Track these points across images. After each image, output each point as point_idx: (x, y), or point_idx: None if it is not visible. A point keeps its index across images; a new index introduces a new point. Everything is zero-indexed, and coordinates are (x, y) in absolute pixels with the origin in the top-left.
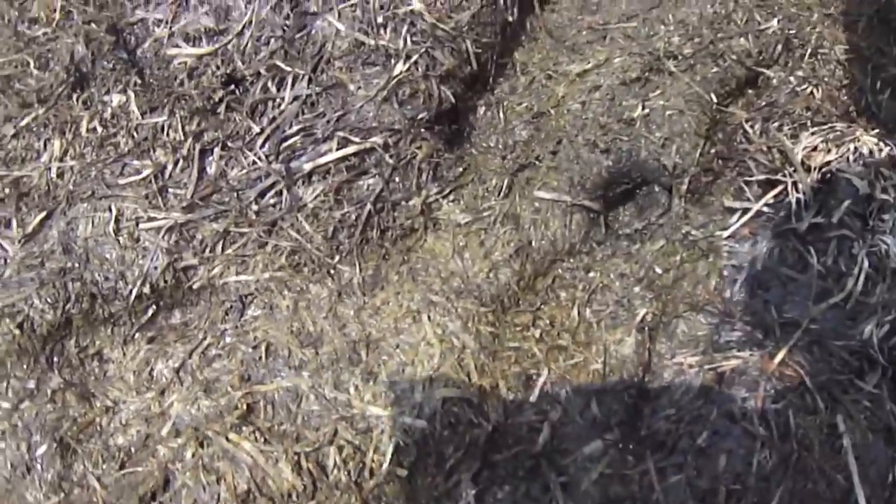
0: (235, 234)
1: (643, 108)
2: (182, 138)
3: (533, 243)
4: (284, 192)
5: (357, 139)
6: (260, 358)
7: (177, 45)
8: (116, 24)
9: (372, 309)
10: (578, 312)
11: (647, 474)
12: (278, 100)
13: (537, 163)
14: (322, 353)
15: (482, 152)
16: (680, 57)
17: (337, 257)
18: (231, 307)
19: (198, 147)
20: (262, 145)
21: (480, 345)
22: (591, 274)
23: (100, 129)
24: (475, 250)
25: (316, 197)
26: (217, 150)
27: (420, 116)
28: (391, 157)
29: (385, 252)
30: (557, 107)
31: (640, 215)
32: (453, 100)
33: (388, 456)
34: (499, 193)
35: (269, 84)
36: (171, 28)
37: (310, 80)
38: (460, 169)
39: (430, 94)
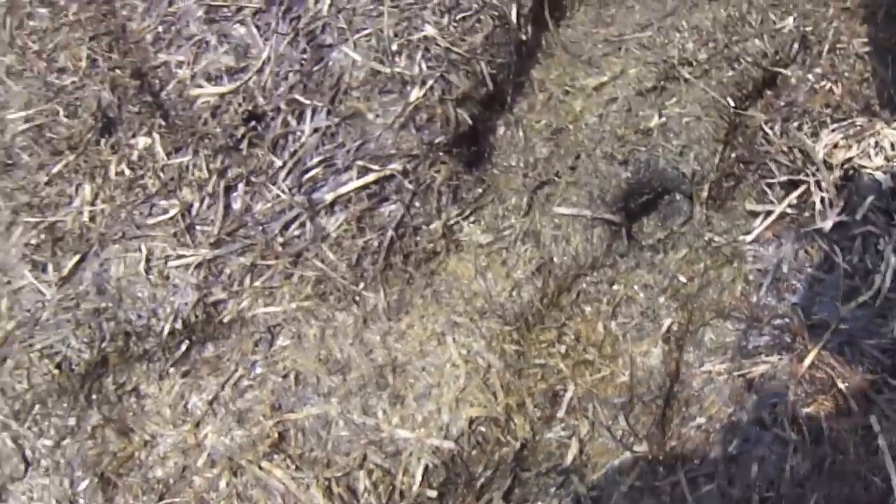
0: (262, 266)
1: (660, 117)
2: (207, 176)
3: (555, 259)
4: (308, 223)
5: (376, 167)
6: (290, 387)
7: (199, 86)
8: (140, 68)
9: (397, 333)
10: (604, 326)
11: (679, 485)
12: (298, 133)
13: (557, 179)
14: (350, 379)
15: (503, 171)
16: (695, 63)
17: (362, 284)
18: (260, 338)
19: (222, 184)
20: (285, 178)
21: (505, 363)
22: (615, 287)
23: (128, 172)
24: (497, 270)
25: (339, 226)
26: (241, 185)
27: (438, 141)
28: (411, 182)
29: (409, 276)
30: (575, 122)
31: (663, 225)
32: (470, 122)
33: (418, 478)
34: (519, 212)
35: (289, 118)
36: (192, 69)
37: (328, 112)
38: (480, 190)
39: (447, 118)
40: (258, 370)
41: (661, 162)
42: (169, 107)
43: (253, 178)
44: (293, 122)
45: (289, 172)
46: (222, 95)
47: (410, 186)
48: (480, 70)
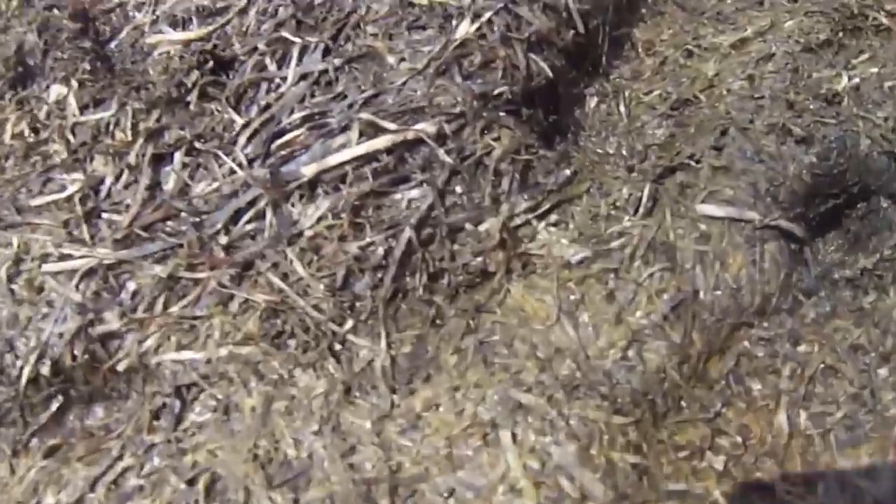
0: (187, 281)
1: (849, 79)
2: (130, 139)
3: (702, 295)
4: (269, 211)
5: (393, 126)
6: (196, 501)
7: (160, 31)
8: (88, 10)
9: (406, 418)
10: (788, 419)
11: None
12: (277, 80)
13: (693, 164)
14: (308, 499)
15: (598, 161)
16: (883, 12)
17: (349, 322)
18: (164, 405)
19: (150, 151)
20: (247, 144)
21: (616, 490)
22: (802, 347)
23: (29, 134)
24: (599, 309)
25: (319, 219)
26: (179, 154)
27: (497, 93)
28: (450, 152)
29: (435, 313)
30: (710, 89)
31: (861, 246)
32: (550, 74)
33: None
34: (635, 210)
35: (268, 61)
36: (154, 12)
37: (326, 51)
38: (567, 172)
39: (512, 65)
40: (155, 461)
41: (862, 143)
42: (116, 60)
43: (199, 145)
44: (271, 66)
45: (253, 135)
46: (188, 43)
47: (448, 159)
48: (565, 5)
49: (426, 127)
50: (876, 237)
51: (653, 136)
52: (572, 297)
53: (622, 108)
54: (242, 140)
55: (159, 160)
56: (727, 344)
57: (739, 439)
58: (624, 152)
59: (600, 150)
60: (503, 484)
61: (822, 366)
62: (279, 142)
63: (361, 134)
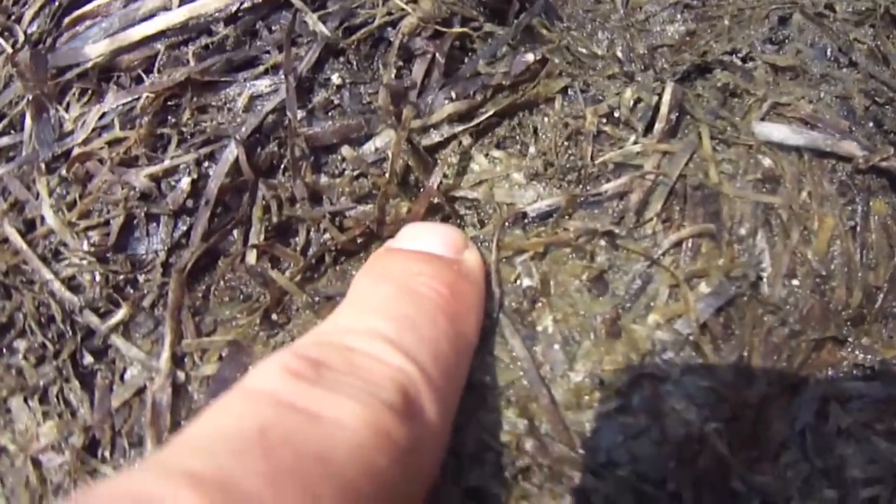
0: None
1: None
2: None
3: (765, 286)
4: (28, 115)
5: None
6: None
7: None
8: None
9: None
10: None
11: None
12: None
13: (737, 62)
14: None
15: (580, 66)
16: None
17: (121, 311)
18: None
19: None
20: (33, 19)
21: None
22: None
23: None
24: (577, 307)
25: (100, 130)
26: None
27: None
28: (330, 18)
29: (274, 300)
30: None
31: None
32: None
33: None
34: (648, 127)
35: None
36: None
37: None
38: (529, 57)
39: None
40: None
41: None
42: None
43: None
44: None
45: (45, 4)
46: None
47: (324, 29)
48: None
49: None
50: None
51: (661, 34)
52: (527, 283)
53: None
54: (30, 13)
55: None
56: (801, 376)
57: None
58: (619, 54)
59: (583, 50)
60: None
61: None
62: (76, 13)
63: None
